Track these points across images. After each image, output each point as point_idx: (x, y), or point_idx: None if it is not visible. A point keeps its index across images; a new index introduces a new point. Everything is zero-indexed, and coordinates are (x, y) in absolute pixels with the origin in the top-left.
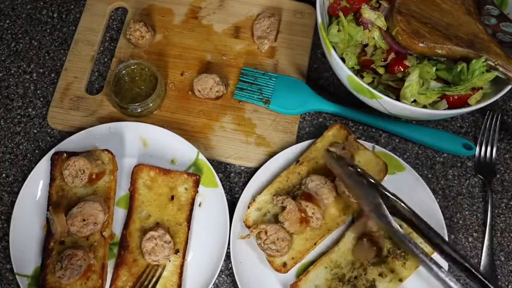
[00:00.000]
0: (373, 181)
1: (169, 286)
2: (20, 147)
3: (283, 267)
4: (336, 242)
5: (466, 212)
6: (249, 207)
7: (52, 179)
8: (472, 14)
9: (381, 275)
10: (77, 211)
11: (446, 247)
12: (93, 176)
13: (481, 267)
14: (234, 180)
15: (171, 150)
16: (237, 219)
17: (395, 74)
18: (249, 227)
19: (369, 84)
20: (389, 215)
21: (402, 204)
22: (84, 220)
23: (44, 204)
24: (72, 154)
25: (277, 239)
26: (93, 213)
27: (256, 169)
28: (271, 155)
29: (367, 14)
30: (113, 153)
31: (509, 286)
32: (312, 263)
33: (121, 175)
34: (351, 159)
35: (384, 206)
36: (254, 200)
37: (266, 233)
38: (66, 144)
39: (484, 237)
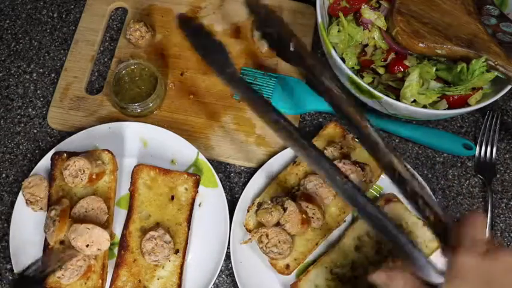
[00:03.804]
0: None
1: (169, 286)
2: (20, 147)
3: (286, 269)
4: (336, 242)
5: (466, 212)
6: (248, 211)
7: (52, 179)
8: (472, 14)
9: None
10: (84, 230)
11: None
12: (93, 176)
13: None
14: (234, 180)
15: (171, 150)
16: (236, 222)
17: (395, 74)
18: (249, 231)
19: (369, 84)
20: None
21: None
22: (87, 246)
23: (43, 205)
24: (72, 154)
25: (279, 242)
26: (101, 241)
27: (256, 169)
28: (271, 155)
29: (367, 14)
30: (113, 153)
31: None
32: (312, 262)
33: (121, 175)
34: (348, 157)
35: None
36: (253, 203)
37: (267, 236)
38: (66, 144)
39: None
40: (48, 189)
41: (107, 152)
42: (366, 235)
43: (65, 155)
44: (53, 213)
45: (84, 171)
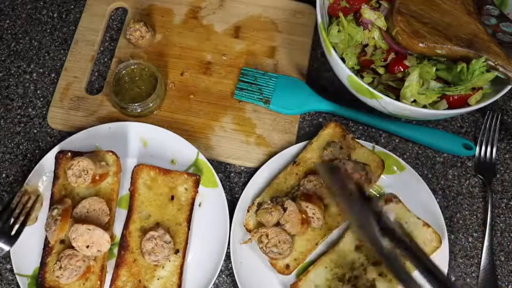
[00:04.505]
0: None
1: (169, 286)
2: (20, 147)
3: (286, 269)
4: (336, 241)
5: (466, 212)
6: (248, 211)
7: (56, 177)
8: (472, 14)
9: (380, 274)
10: (85, 231)
11: (434, 269)
12: (97, 177)
13: (481, 267)
14: (234, 180)
15: (171, 150)
16: (236, 222)
17: (395, 74)
18: (249, 231)
19: (369, 84)
20: (378, 233)
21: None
22: (88, 247)
23: (44, 205)
24: (76, 154)
25: (279, 242)
26: (101, 242)
27: (256, 169)
28: (271, 155)
29: (367, 14)
30: (117, 155)
31: (509, 286)
32: (312, 262)
33: (121, 175)
34: (349, 158)
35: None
36: (253, 203)
37: (267, 236)
38: (67, 144)
39: (484, 237)
40: (51, 188)
41: (111, 154)
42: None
43: (70, 154)
44: (55, 212)
45: (87, 172)
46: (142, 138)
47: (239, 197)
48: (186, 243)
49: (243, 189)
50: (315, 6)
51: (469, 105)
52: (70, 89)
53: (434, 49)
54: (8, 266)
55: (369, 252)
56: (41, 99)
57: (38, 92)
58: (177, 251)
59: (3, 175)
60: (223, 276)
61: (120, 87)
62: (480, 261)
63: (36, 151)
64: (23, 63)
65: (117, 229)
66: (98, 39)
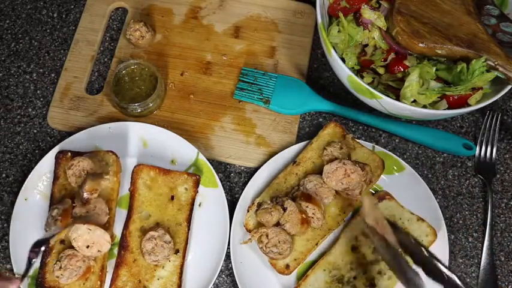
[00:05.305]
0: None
1: (169, 286)
2: (20, 147)
3: (286, 269)
4: (333, 243)
5: (466, 212)
6: (248, 211)
7: (55, 177)
8: (472, 14)
9: (379, 273)
10: (85, 231)
11: None
12: None
13: (481, 267)
14: (234, 180)
15: (171, 150)
16: (236, 222)
17: (395, 74)
18: (249, 231)
19: (369, 84)
20: None
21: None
22: (88, 247)
23: (43, 204)
24: (76, 154)
25: (279, 242)
26: (101, 242)
27: (256, 169)
28: (271, 155)
29: (367, 14)
30: (117, 154)
31: (509, 286)
32: (313, 263)
33: (121, 175)
34: (349, 157)
35: None
36: (253, 203)
37: (267, 236)
38: (67, 144)
39: (484, 237)
40: (51, 188)
41: (111, 153)
42: (362, 234)
43: (70, 154)
44: (55, 212)
45: (87, 172)
46: (142, 138)
47: (239, 197)
48: (186, 243)
49: (243, 189)
50: (315, 6)
51: (469, 105)
52: (70, 89)
53: (434, 49)
54: (8, 266)
55: (366, 251)
56: (41, 99)
57: (38, 92)
58: (177, 251)
59: (3, 175)
60: (223, 276)
61: (120, 87)
62: (480, 261)
63: (36, 151)
64: (23, 63)
65: (117, 229)
66: (98, 39)
